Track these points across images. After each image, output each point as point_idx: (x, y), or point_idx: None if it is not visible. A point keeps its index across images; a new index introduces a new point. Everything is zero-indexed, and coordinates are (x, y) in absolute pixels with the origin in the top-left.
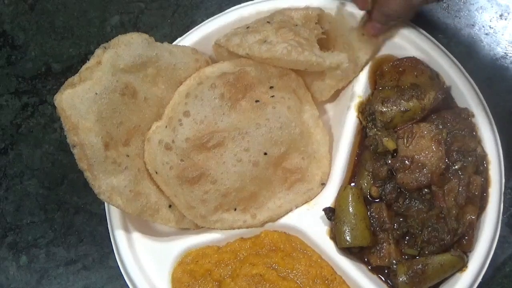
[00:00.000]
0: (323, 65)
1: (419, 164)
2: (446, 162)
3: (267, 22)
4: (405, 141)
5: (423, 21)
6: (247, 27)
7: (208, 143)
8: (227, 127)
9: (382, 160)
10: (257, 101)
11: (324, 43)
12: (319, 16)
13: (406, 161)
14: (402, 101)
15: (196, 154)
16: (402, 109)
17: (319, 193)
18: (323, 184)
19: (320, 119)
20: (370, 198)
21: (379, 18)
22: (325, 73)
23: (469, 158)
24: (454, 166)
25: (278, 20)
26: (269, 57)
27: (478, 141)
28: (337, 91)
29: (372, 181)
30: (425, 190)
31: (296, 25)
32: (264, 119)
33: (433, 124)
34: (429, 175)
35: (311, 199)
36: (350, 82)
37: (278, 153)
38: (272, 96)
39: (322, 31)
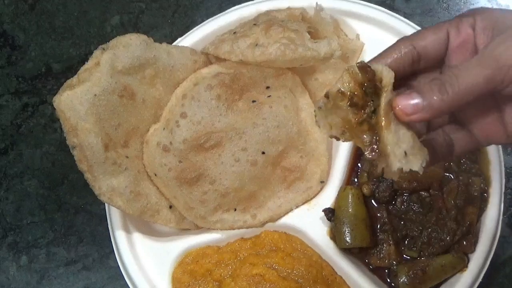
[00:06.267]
0: (318, 57)
1: None
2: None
3: (254, 24)
4: None
5: (423, 21)
6: (234, 33)
7: (206, 143)
8: (224, 127)
9: None
10: (253, 101)
11: (313, 36)
12: (302, 15)
13: None
14: None
15: (194, 155)
16: None
17: (318, 191)
18: (322, 182)
19: None
20: (373, 201)
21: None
22: (316, 71)
23: None
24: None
25: (264, 21)
26: (264, 60)
27: None
28: None
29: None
30: (424, 193)
31: (283, 21)
32: (261, 119)
33: None
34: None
35: (311, 198)
36: None
37: (276, 152)
38: (269, 96)
39: (309, 26)
